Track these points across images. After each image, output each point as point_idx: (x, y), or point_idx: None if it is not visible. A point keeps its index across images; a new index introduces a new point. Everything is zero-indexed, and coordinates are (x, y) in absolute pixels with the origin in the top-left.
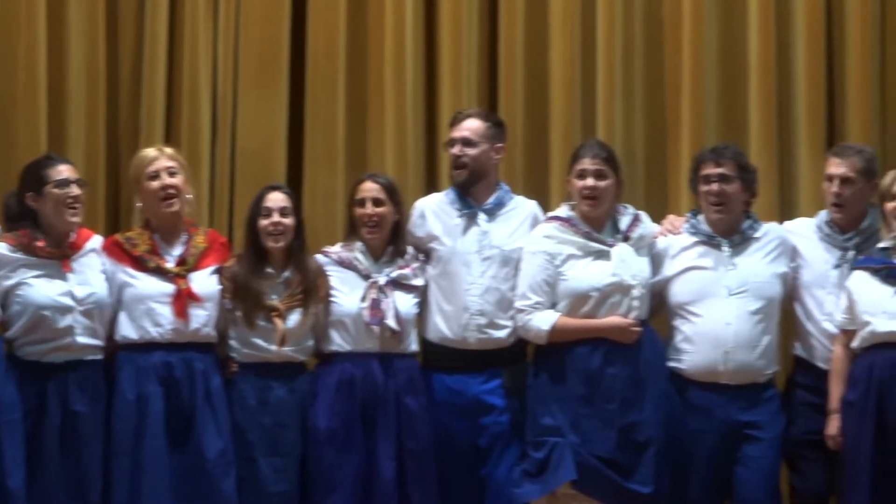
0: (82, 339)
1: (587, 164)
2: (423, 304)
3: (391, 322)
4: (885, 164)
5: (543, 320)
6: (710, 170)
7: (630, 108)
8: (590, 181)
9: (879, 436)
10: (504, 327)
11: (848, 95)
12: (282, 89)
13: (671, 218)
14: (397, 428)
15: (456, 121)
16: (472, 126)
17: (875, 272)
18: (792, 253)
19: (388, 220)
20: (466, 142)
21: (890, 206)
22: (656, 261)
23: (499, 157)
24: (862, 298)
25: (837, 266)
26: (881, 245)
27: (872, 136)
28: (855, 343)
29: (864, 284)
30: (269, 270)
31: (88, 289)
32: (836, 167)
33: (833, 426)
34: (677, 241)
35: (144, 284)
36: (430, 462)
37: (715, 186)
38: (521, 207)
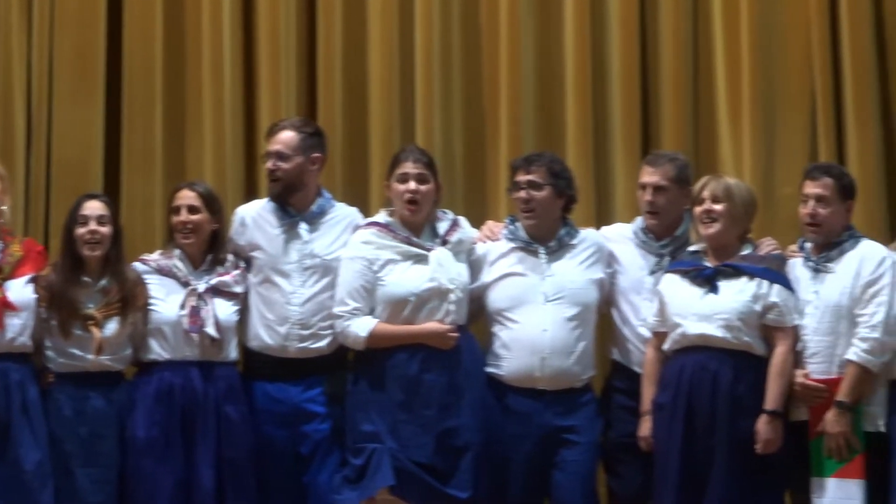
0: None
1: (409, 168)
2: (244, 312)
3: (211, 330)
4: (698, 172)
5: (361, 326)
6: (521, 177)
7: (449, 115)
8: (412, 185)
9: (688, 437)
10: (325, 337)
11: (662, 104)
12: (98, 96)
13: (489, 224)
14: (217, 436)
15: (271, 133)
16: (285, 139)
17: (685, 275)
18: (608, 259)
19: (205, 227)
20: (280, 155)
21: (698, 209)
22: (475, 267)
23: (316, 168)
24: (673, 301)
25: (653, 272)
26: (691, 248)
27: (686, 143)
28: (666, 345)
29: (674, 287)
30: (86, 279)
31: None
32: (649, 175)
33: (645, 428)
34: (495, 247)
35: None
36: (249, 471)
37: (523, 193)
38: (343, 215)
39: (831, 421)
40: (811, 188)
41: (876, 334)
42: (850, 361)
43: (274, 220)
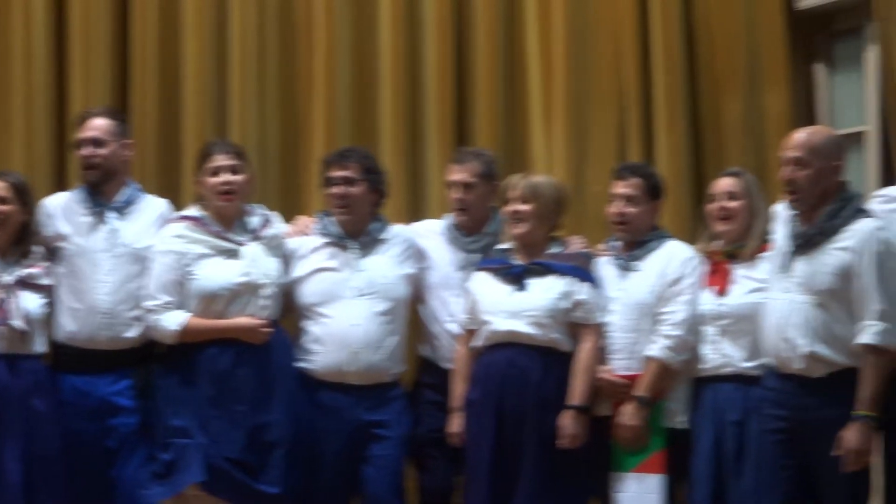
0: None
1: (221, 160)
2: (52, 304)
3: (17, 322)
4: (511, 169)
5: (172, 320)
6: (335, 172)
7: (263, 110)
8: (226, 176)
9: (498, 433)
10: (134, 326)
11: (476, 101)
12: None
13: (302, 219)
14: (24, 431)
15: (83, 121)
16: (100, 125)
17: (495, 272)
18: (419, 255)
19: (15, 218)
20: (96, 142)
21: (506, 209)
22: (287, 261)
23: (128, 154)
24: (482, 298)
25: (463, 268)
26: (501, 246)
27: (499, 140)
28: (476, 342)
29: (484, 285)
30: None
31: None
32: (456, 173)
33: (455, 424)
34: (307, 242)
35: None
36: (58, 465)
37: (338, 189)
38: (152, 206)
39: (628, 414)
40: (619, 188)
41: (678, 332)
42: (650, 358)
43: (82, 210)
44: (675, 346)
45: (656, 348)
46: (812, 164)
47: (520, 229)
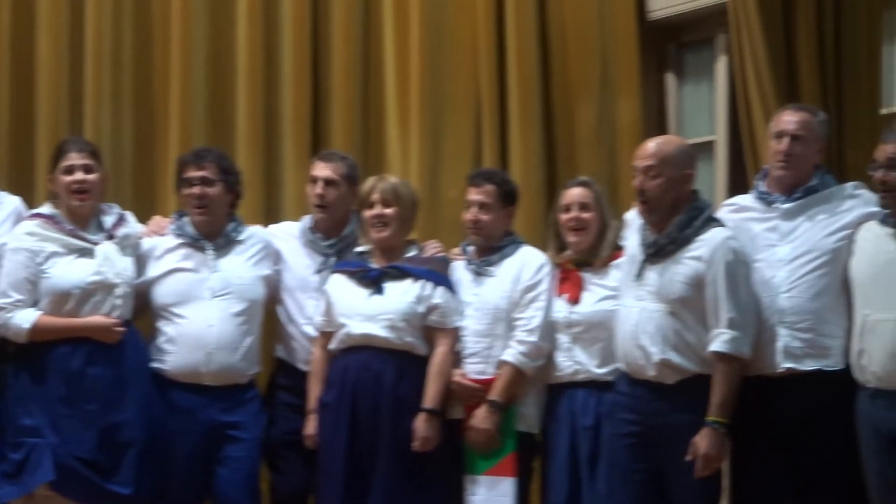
0: None
1: (75, 158)
2: None
3: None
4: (367, 172)
5: (24, 318)
6: (192, 173)
7: (118, 109)
8: (79, 175)
9: (353, 436)
10: None
11: (332, 104)
12: None
13: (157, 219)
14: None
15: None
16: None
17: (351, 275)
18: (275, 256)
19: None
20: None
21: (368, 213)
22: (141, 261)
23: None
24: (339, 301)
25: (319, 271)
26: (358, 249)
27: (355, 143)
28: (332, 345)
29: (340, 287)
30: None
31: None
32: (321, 170)
33: (310, 426)
34: (162, 242)
35: None
36: None
37: (196, 189)
38: (5, 203)
39: (480, 418)
40: (474, 194)
41: (533, 338)
42: (504, 362)
43: None
44: (530, 351)
45: (510, 353)
46: (663, 173)
47: (383, 233)
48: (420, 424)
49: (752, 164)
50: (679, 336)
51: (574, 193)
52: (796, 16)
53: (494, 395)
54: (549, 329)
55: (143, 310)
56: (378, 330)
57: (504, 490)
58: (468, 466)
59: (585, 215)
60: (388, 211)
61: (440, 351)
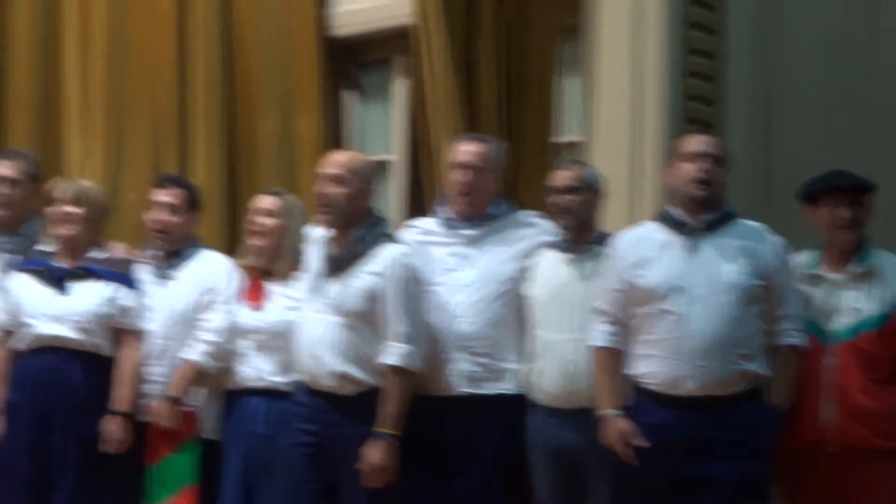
0: None
1: None
2: None
3: None
4: (49, 174)
5: None
6: None
7: None
8: None
9: (38, 437)
10: None
11: (13, 106)
12: None
13: None
14: None
15: None
16: None
17: (36, 274)
18: None
19: None
20: None
21: (55, 210)
22: None
23: None
24: (24, 300)
25: (1, 269)
26: (41, 248)
27: (36, 147)
28: (18, 344)
29: (25, 286)
30: None
31: None
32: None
33: None
34: None
35: None
36: None
37: None
38: None
39: (153, 410)
40: (161, 196)
41: (216, 339)
42: (185, 360)
43: None
44: (212, 352)
45: (193, 351)
46: (352, 184)
47: (68, 231)
48: (112, 427)
49: (430, 186)
50: (357, 349)
51: (262, 201)
52: (478, 45)
53: (171, 391)
54: (231, 333)
55: None
56: (66, 331)
57: None
58: (148, 495)
59: (267, 222)
60: (75, 210)
61: (128, 353)
